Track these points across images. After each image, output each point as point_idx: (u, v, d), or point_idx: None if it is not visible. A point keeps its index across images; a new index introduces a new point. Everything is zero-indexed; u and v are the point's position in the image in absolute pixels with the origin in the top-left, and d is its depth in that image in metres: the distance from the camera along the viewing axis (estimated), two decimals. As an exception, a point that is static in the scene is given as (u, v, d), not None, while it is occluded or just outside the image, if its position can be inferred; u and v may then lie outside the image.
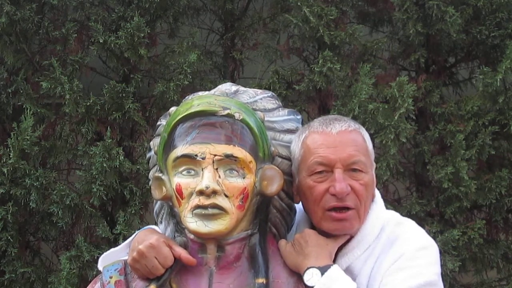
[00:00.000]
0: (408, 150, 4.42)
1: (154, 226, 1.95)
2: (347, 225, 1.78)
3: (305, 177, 1.79)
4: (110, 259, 1.90)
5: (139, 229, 1.96)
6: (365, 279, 1.78)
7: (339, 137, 1.79)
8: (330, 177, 1.77)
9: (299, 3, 4.25)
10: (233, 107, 1.79)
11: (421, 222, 3.86)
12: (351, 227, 1.79)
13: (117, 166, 4.08)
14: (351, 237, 1.82)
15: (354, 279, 1.75)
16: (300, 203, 1.88)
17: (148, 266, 1.77)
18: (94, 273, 3.93)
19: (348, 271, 1.78)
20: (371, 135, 1.92)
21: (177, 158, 1.76)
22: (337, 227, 1.78)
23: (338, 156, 1.76)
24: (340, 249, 1.82)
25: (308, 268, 1.72)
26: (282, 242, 1.82)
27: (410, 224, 1.87)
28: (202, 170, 1.73)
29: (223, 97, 1.84)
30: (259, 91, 1.91)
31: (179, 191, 1.75)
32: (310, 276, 1.72)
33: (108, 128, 4.16)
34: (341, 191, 1.74)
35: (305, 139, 1.82)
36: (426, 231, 1.86)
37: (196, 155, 1.74)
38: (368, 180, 1.80)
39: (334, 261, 1.79)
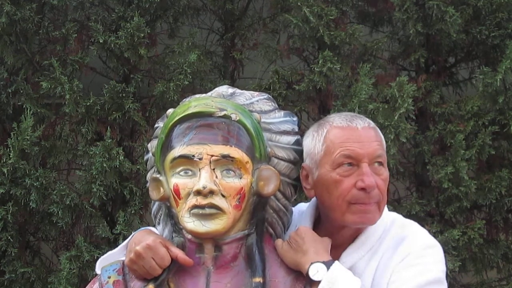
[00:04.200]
0: (408, 150, 4.41)
1: (150, 227, 1.96)
2: (370, 217, 1.81)
3: (330, 170, 1.81)
4: (107, 262, 1.91)
5: (139, 229, 1.96)
6: (369, 279, 1.81)
7: (364, 132, 1.83)
8: (356, 171, 1.79)
9: (299, 3, 4.24)
10: (230, 108, 1.80)
11: (421, 222, 3.81)
12: (373, 219, 1.82)
13: (117, 166, 4.08)
14: (356, 237, 1.85)
15: None
16: (314, 199, 1.90)
17: (145, 266, 1.78)
18: (94, 273, 3.88)
19: (352, 270, 1.79)
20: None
21: (175, 159, 1.77)
22: (361, 220, 1.80)
23: (365, 150, 1.80)
24: (344, 249, 1.85)
25: (312, 264, 1.74)
26: (279, 241, 1.84)
27: (415, 226, 1.91)
28: (199, 170, 1.74)
29: (220, 98, 1.85)
30: (256, 93, 1.92)
31: (176, 191, 1.76)
32: (316, 271, 1.73)
33: (108, 128, 4.16)
34: (370, 184, 1.77)
35: (327, 134, 1.84)
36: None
37: (193, 156, 1.74)
38: (387, 175, 1.85)
39: (338, 260, 1.80)
